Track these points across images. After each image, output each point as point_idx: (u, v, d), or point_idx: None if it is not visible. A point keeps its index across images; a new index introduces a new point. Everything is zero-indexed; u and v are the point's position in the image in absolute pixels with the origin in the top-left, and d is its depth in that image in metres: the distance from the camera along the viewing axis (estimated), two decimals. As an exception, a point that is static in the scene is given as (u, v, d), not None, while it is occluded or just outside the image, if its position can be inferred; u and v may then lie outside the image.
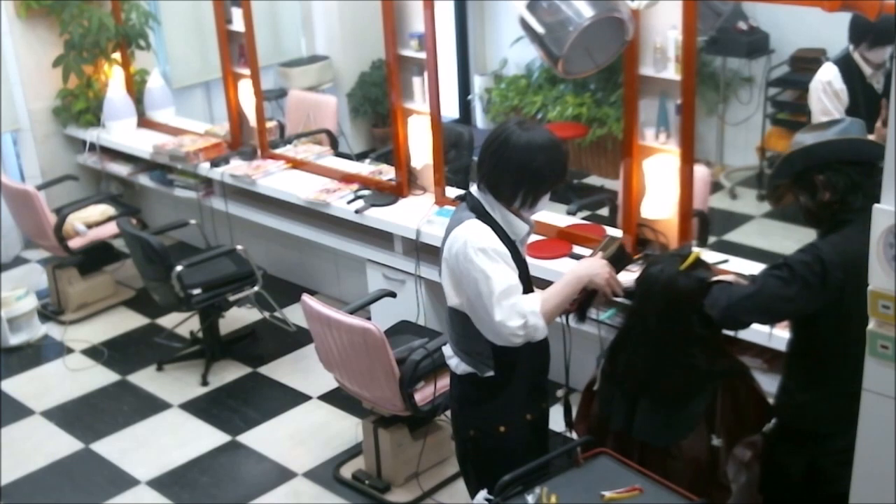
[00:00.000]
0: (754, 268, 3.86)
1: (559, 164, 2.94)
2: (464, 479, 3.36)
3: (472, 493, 3.26)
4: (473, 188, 3.01)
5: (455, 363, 3.11)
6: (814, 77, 4.47)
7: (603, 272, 3.00)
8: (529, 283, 3.05)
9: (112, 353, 5.45)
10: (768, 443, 3.06)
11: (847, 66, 4.38)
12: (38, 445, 4.70)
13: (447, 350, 3.16)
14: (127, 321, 5.79)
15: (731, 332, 3.12)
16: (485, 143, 2.97)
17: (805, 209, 2.84)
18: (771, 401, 3.08)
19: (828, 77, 4.36)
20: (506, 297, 2.86)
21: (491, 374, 3.03)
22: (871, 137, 2.88)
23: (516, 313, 2.87)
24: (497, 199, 2.95)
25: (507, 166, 2.90)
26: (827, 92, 4.33)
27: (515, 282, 2.90)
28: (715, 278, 2.92)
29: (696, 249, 3.08)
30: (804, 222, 2.89)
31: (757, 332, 3.32)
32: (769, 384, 3.14)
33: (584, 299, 3.10)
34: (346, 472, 4.33)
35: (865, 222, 2.64)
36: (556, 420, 3.31)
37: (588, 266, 3.03)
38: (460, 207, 3.04)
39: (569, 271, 3.03)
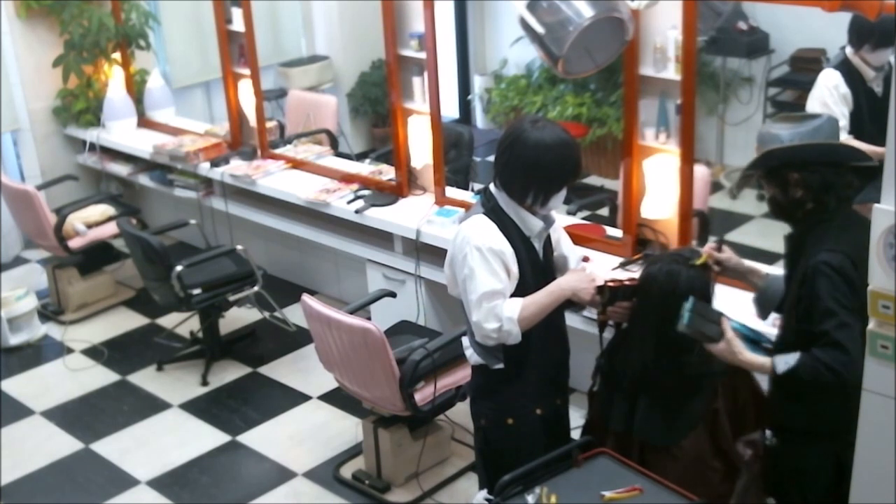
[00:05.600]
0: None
1: (569, 164, 2.98)
2: (478, 470, 3.44)
3: (481, 484, 3.35)
4: (492, 185, 3.06)
5: (469, 353, 3.19)
6: (816, 82, 4.45)
7: (589, 286, 3.06)
8: (547, 276, 3.10)
9: (112, 353, 5.44)
10: (784, 454, 3.03)
11: (848, 70, 4.36)
12: (38, 445, 4.69)
13: (464, 341, 3.23)
14: (127, 321, 5.79)
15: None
16: (499, 140, 3.04)
17: (773, 202, 2.89)
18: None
19: (833, 81, 4.34)
20: (487, 299, 2.95)
21: (500, 366, 3.10)
22: (877, 148, 2.89)
23: (493, 316, 2.96)
24: (510, 196, 3.01)
25: (517, 164, 2.96)
26: (834, 97, 4.32)
27: (500, 286, 2.96)
28: (781, 370, 2.78)
29: (704, 250, 3.08)
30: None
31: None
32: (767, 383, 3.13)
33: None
34: (346, 472, 4.33)
35: (842, 225, 2.76)
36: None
37: (575, 280, 3.08)
38: (477, 203, 3.10)
39: (554, 283, 3.08)
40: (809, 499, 2.99)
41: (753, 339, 2.95)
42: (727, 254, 3.11)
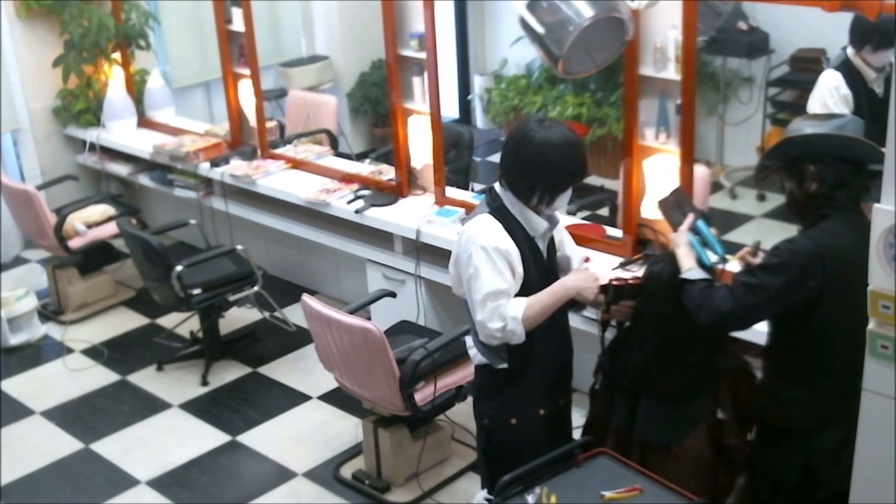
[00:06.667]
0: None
1: (575, 163, 2.98)
2: (480, 470, 3.45)
3: (483, 483, 3.34)
4: (497, 184, 3.06)
5: (473, 353, 3.19)
6: (817, 83, 4.44)
7: (592, 286, 3.06)
8: (551, 276, 3.10)
9: (112, 353, 5.45)
10: (757, 449, 3.05)
11: (849, 71, 4.36)
12: (38, 445, 4.69)
13: (467, 340, 3.23)
14: (127, 321, 5.79)
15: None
16: (505, 140, 3.04)
17: (790, 196, 2.90)
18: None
19: (834, 83, 4.34)
20: (491, 298, 2.95)
21: (504, 366, 3.10)
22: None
23: (498, 315, 2.95)
24: (516, 196, 3.01)
25: (523, 164, 2.96)
26: (834, 98, 4.32)
27: (505, 286, 2.96)
28: (685, 275, 2.88)
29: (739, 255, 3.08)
30: (788, 214, 2.93)
31: (758, 333, 3.31)
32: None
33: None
34: (346, 472, 4.33)
35: (844, 219, 2.76)
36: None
37: (580, 279, 3.08)
38: (481, 202, 3.11)
39: (558, 283, 3.07)
40: (774, 498, 3.00)
41: (712, 248, 2.97)
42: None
